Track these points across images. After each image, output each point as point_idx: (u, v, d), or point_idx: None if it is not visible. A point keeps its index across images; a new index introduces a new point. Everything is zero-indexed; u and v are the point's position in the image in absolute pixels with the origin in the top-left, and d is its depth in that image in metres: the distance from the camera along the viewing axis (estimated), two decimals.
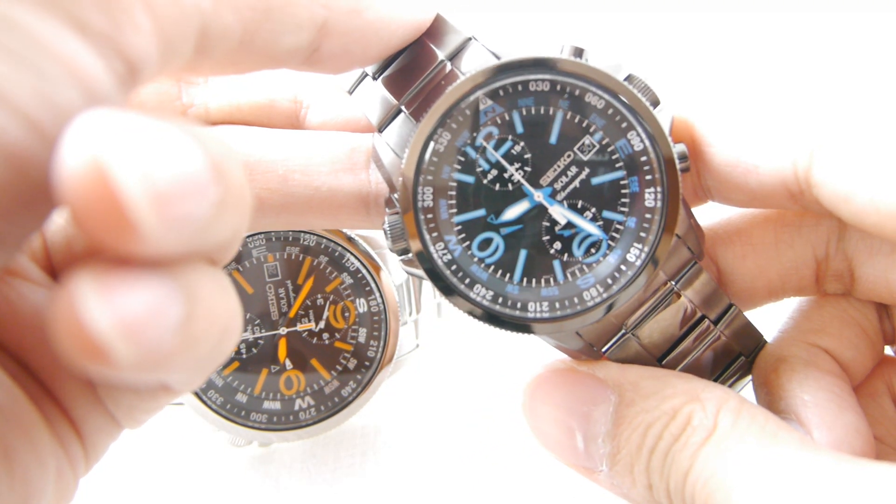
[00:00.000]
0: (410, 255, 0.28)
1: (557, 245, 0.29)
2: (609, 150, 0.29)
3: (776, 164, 0.28)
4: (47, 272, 0.25)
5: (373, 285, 0.47)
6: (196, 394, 0.45)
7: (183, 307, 0.18)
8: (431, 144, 0.28)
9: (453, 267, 0.29)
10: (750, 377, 0.32)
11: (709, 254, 0.32)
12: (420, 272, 0.29)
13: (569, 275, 0.29)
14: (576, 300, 0.29)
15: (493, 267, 0.29)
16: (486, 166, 0.29)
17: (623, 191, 0.29)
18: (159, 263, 0.18)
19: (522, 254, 0.29)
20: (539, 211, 0.29)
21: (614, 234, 0.29)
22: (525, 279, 0.29)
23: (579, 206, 0.29)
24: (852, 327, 0.31)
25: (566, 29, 0.62)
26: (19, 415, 0.22)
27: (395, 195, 0.28)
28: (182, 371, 0.19)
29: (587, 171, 0.29)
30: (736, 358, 0.32)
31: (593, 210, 0.29)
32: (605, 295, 0.29)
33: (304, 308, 0.47)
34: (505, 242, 0.29)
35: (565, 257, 0.29)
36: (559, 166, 0.29)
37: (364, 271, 0.47)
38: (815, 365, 0.30)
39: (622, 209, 0.29)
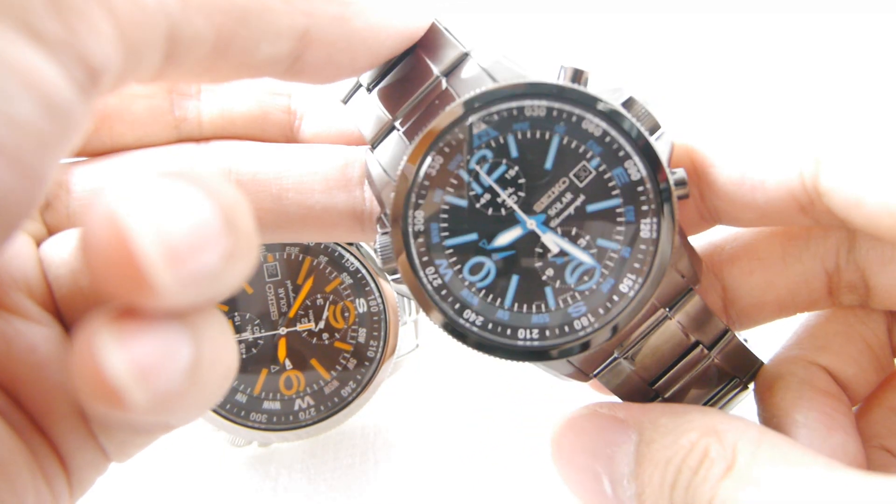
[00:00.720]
0: (395, 277, 0.28)
1: (550, 272, 0.29)
2: (605, 177, 0.28)
3: (782, 176, 0.27)
4: (48, 309, 0.25)
5: (372, 285, 0.47)
6: None
7: (191, 352, 0.19)
8: (423, 167, 0.28)
9: (444, 291, 0.28)
10: (746, 394, 0.32)
11: (714, 271, 0.32)
12: (410, 292, 0.28)
13: (560, 302, 0.29)
14: (566, 328, 0.29)
15: (483, 291, 0.29)
16: (478, 190, 0.28)
17: (619, 220, 0.28)
18: (171, 313, 0.19)
19: (514, 279, 0.29)
20: (532, 237, 0.28)
21: (608, 263, 0.29)
22: (516, 304, 0.29)
23: (573, 233, 0.28)
24: (856, 344, 0.31)
25: (566, 31, 0.61)
26: (1, 445, 0.22)
27: (387, 214, 0.28)
28: (187, 411, 0.20)
29: (582, 198, 0.28)
30: (730, 381, 0.32)
31: (587, 238, 0.29)
32: (595, 325, 0.29)
33: (303, 308, 0.47)
34: (497, 267, 0.29)
35: (557, 284, 0.29)
36: (554, 192, 0.28)
37: (364, 271, 0.47)
38: (811, 384, 0.30)
39: (617, 238, 0.29)
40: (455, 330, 0.29)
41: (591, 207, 0.28)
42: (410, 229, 0.28)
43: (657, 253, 0.28)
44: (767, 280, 0.31)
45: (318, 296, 0.47)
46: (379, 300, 0.47)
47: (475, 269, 0.29)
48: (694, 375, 0.31)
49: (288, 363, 0.47)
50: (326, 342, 0.47)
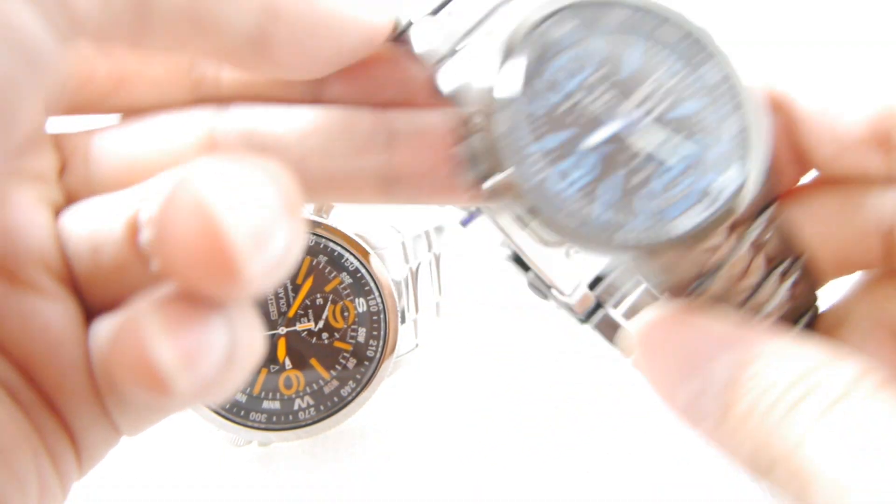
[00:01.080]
0: (494, 180, 0.27)
1: (640, 175, 0.28)
2: (686, 81, 0.29)
3: (861, 107, 0.28)
4: (65, 283, 0.24)
5: (372, 285, 0.47)
6: None
7: (230, 339, 0.20)
8: (506, 76, 0.27)
9: (535, 194, 0.27)
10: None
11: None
12: (501, 199, 0.27)
13: (653, 206, 0.28)
14: (661, 230, 0.28)
15: (576, 195, 0.28)
16: (563, 96, 0.28)
17: (703, 121, 0.29)
18: (217, 302, 0.20)
19: (606, 182, 0.28)
20: (620, 140, 0.28)
21: (697, 164, 0.28)
22: (609, 208, 0.28)
23: (661, 135, 0.28)
24: None
25: None
26: (3, 430, 0.22)
27: (474, 120, 0.27)
28: (218, 395, 0.21)
29: (667, 101, 0.29)
30: (806, 311, 0.31)
31: (675, 140, 0.28)
32: (689, 226, 0.28)
33: (303, 308, 0.47)
34: (587, 170, 0.28)
35: (648, 188, 0.28)
36: (638, 97, 0.28)
37: (363, 271, 0.47)
38: (872, 335, 0.29)
39: (705, 138, 0.29)
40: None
41: (676, 111, 0.29)
42: (498, 137, 0.27)
43: (744, 151, 0.28)
44: (821, 235, 0.30)
45: (318, 295, 0.47)
46: (378, 300, 0.47)
47: (566, 173, 0.28)
48: (778, 302, 0.30)
49: (287, 363, 0.47)
50: (326, 342, 0.47)
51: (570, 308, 0.38)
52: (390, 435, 0.49)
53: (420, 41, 0.29)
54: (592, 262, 0.38)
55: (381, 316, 0.47)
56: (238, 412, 0.46)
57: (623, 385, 0.48)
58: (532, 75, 0.28)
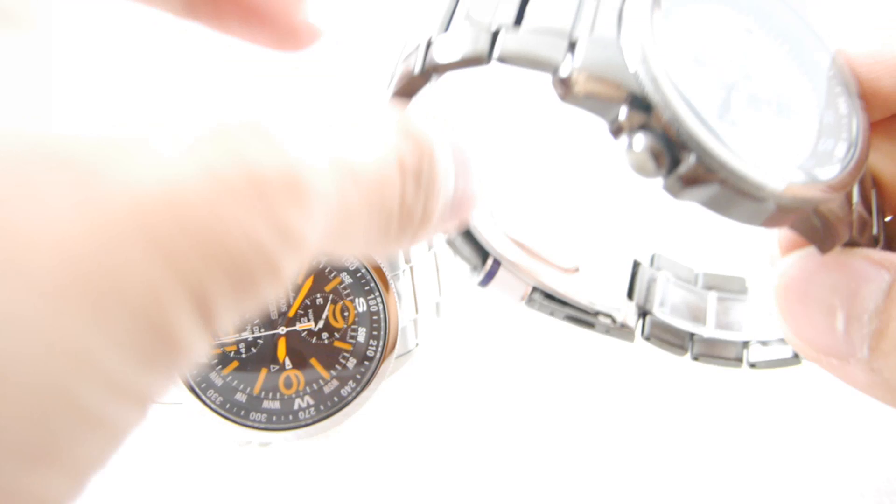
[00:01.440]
0: (688, 169, 0.25)
1: (783, 121, 0.28)
2: (767, 26, 0.30)
3: None
4: None
5: (372, 284, 0.47)
6: (195, 393, 0.45)
7: None
8: (670, 56, 0.25)
9: (725, 170, 0.25)
10: None
11: None
12: (698, 185, 0.25)
13: (807, 148, 0.28)
14: (833, 175, 0.27)
15: (749, 160, 0.26)
16: (700, 63, 0.28)
17: (798, 58, 0.30)
18: None
19: (762, 138, 0.28)
20: (754, 94, 0.29)
21: (818, 101, 0.29)
22: (776, 161, 0.26)
23: (778, 82, 0.29)
24: None
25: None
26: None
27: (637, 116, 0.25)
28: None
29: (766, 52, 0.30)
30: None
31: (789, 83, 0.29)
32: (847, 167, 0.27)
33: (303, 307, 0.47)
34: (746, 131, 0.28)
35: (792, 131, 0.28)
36: (743, 52, 0.29)
37: (363, 270, 0.46)
38: None
39: (808, 77, 0.29)
40: None
41: (775, 59, 0.29)
42: (680, 125, 0.25)
43: (844, 83, 0.29)
44: (883, 173, 0.31)
45: (318, 295, 0.47)
46: (379, 299, 0.47)
47: (733, 142, 0.26)
48: (882, 238, 0.31)
49: (287, 362, 0.47)
50: (326, 341, 0.47)
51: (619, 326, 0.37)
52: (390, 435, 0.49)
53: (532, 45, 0.26)
54: (618, 276, 0.38)
55: (382, 316, 0.47)
56: (238, 412, 0.46)
57: (623, 385, 0.48)
58: (682, 50, 0.26)
